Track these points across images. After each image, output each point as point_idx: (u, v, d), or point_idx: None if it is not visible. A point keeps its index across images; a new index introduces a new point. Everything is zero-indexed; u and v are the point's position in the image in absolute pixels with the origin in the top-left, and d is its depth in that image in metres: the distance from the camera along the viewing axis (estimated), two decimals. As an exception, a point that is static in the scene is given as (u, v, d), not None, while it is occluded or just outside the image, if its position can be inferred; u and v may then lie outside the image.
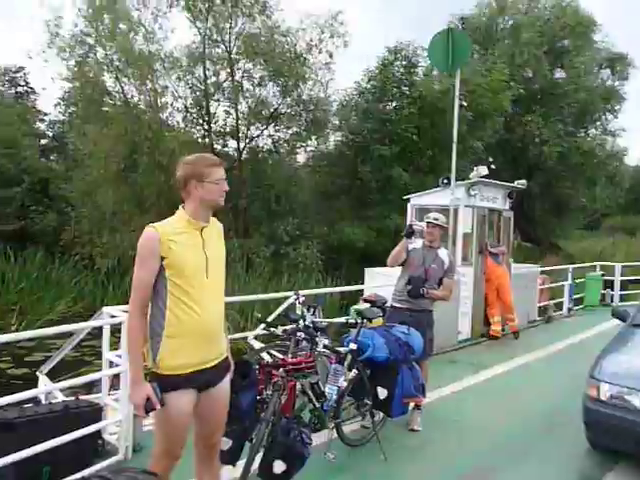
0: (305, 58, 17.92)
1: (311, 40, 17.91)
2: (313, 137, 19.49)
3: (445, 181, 8.93)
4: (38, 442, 3.53)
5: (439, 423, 5.23)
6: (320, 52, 17.98)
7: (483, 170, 9.33)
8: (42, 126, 24.31)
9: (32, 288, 16.08)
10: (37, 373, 5.37)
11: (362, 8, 43.76)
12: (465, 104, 15.99)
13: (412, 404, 4.88)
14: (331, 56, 18.07)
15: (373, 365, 4.46)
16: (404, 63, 19.20)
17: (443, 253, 5.26)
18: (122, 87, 17.33)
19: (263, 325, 4.62)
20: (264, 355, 5.16)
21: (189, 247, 2.66)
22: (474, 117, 17.86)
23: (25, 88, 23.70)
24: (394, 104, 18.98)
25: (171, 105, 18.11)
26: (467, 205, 9.05)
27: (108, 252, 16.26)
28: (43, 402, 4.53)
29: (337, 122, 19.49)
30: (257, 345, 5.88)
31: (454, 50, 8.44)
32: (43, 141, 23.38)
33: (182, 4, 17.16)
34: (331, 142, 20.11)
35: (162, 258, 2.61)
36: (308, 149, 20.34)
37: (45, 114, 24.61)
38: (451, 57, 8.47)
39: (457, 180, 8.84)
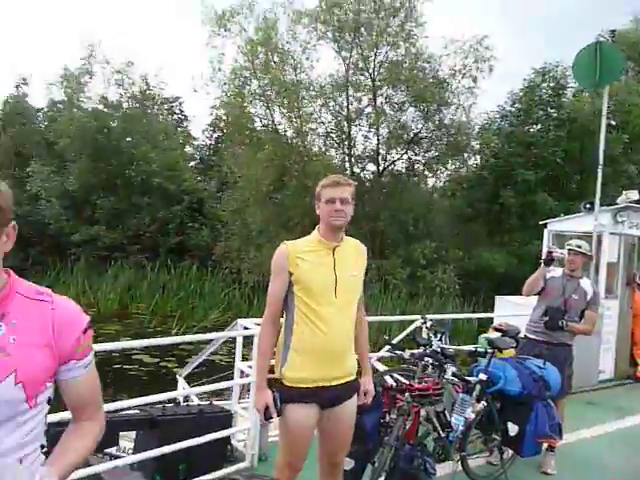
0: (448, 83, 18.04)
1: (455, 65, 18.01)
2: (452, 161, 19.47)
3: (588, 206, 8.40)
4: (176, 440, 3.79)
5: (577, 468, 4.84)
6: (463, 77, 18.00)
7: (633, 195, 8.66)
8: (191, 149, 26.73)
9: (188, 297, 17.84)
10: (177, 376, 5.95)
11: (507, 29, 42.68)
12: (614, 123, 15.10)
13: (545, 445, 4.57)
14: (475, 81, 18.00)
15: (504, 399, 4.26)
16: (552, 84, 18.57)
17: (586, 283, 4.92)
18: (272, 115, 18.70)
19: (388, 347, 4.58)
20: (387, 378, 5.04)
21: (317, 265, 2.73)
22: (630, 139, 16.79)
23: (179, 116, 26.13)
24: (539, 127, 18.42)
25: (314, 130, 19.13)
26: (613, 232, 8.42)
27: (254, 268, 17.48)
28: (182, 404, 4.91)
29: (477, 146, 19.29)
30: (381, 368, 5.79)
31: (602, 65, 7.77)
32: (192, 163, 25.63)
33: (329, 36, 18.13)
34: (470, 166, 19.93)
35: (290, 274, 2.72)
36: (446, 173, 20.35)
37: (194, 139, 27.09)
38: (598, 72, 7.81)
39: (603, 205, 8.39)
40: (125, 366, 11.07)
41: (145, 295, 18.40)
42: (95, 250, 20.47)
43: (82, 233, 20.51)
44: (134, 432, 4.31)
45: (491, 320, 7.74)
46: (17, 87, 26.17)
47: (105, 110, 21.89)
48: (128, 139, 21.83)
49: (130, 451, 4.30)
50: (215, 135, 27.21)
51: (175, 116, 26.01)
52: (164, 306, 17.57)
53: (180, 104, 25.25)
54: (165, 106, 24.45)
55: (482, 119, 19.46)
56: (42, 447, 1.48)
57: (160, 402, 4.21)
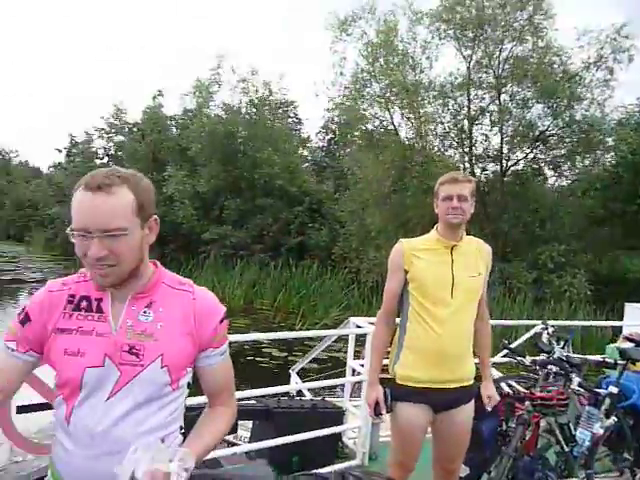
0: (580, 77, 16.96)
1: (588, 57, 16.87)
2: (582, 158, 18.27)
3: None
4: (290, 433, 3.85)
5: None
6: (598, 69, 16.82)
7: None
8: (305, 152, 27.35)
9: (309, 295, 18.35)
10: (290, 371, 6.10)
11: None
12: None
13: (686, 468, 4.11)
14: (611, 73, 16.72)
15: (638, 415, 3.92)
16: None
17: None
18: (392, 116, 18.72)
19: (505, 351, 4.42)
20: (503, 385, 5.00)
21: (433, 264, 2.67)
22: None
23: (294, 119, 26.79)
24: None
25: (433, 131, 18.86)
26: None
27: (373, 268, 17.59)
28: (295, 397, 5.04)
29: (612, 142, 17.93)
30: (495, 373, 5.70)
31: None
32: (304, 165, 26.24)
33: (451, 34, 17.77)
34: (603, 164, 18.56)
35: (406, 272, 2.69)
36: (575, 171, 19.12)
37: (309, 141, 27.67)
38: None
39: None
40: (257, 358, 11.67)
41: (268, 292, 19.16)
42: (223, 248, 21.66)
43: (211, 232, 21.83)
44: (251, 422, 4.48)
45: (620, 329, 7.24)
46: (154, 98, 28.50)
47: (230, 116, 23.10)
48: (252, 144, 22.88)
49: (246, 440, 4.49)
50: (327, 137, 27.81)
51: (290, 120, 26.79)
52: (287, 303, 18.21)
53: (295, 108, 25.90)
54: (280, 110, 25.19)
55: (619, 113, 18.07)
56: (181, 428, 1.57)
57: (276, 394, 4.33)
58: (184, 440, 1.56)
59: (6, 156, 49.73)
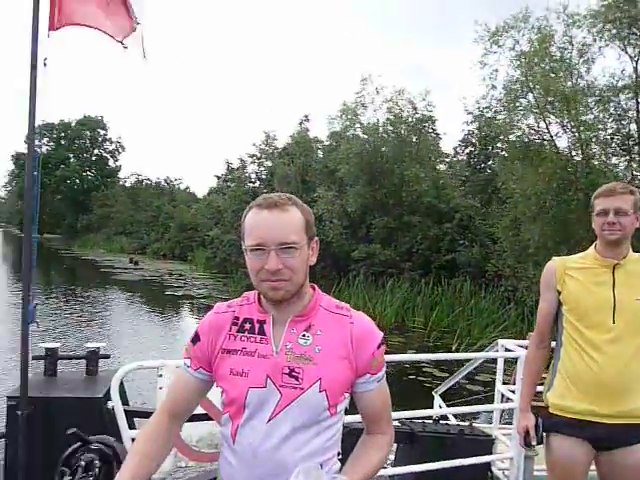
0: None
1: None
2: None
3: None
4: (435, 459, 3.67)
5: None
6: None
7: None
8: (444, 167, 26.66)
9: (464, 314, 17.76)
10: (433, 393, 5.86)
11: None
12: None
13: None
14: None
15: None
16: None
17: None
18: (548, 127, 17.60)
19: None
20: None
21: (590, 284, 2.48)
22: None
23: (431, 134, 26.20)
24: None
25: (595, 139, 17.40)
26: None
27: (532, 286, 16.51)
28: (440, 422, 4.79)
29: None
30: None
31: None
32: (441, 180, 25.44)
33: (614, 33, 16.33)
34: None
35: (558, 292, 2.54)
36: None
37: (447, 156, 26.92)
38: None
39: None
40: (419, 378, 11.51)
41: (420, 310, 18.84)
42: (371, 267, 21.77)
43: (360, 251, 22.08)
44: (394, 444, 4.34)
45: None
46: (300, 124, 29.88)
47: (376, 136, 23.37)
48: (399, 162, 22.84)
49: (390, 463, 4.37)
50: (466, 151, 27.02)
51: (428, 135, 26.40)
52: (439, 321, 17.77)
53: (433, 122, 25.43)
54: (420, 126, 24.87)
55: None
56: (338, 454, 1.57)
57: (419, 417, 4.18)
58: (342, 467, 1.54)
59: (171, 184, 54.86)
